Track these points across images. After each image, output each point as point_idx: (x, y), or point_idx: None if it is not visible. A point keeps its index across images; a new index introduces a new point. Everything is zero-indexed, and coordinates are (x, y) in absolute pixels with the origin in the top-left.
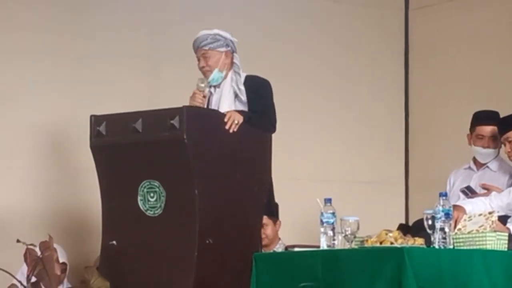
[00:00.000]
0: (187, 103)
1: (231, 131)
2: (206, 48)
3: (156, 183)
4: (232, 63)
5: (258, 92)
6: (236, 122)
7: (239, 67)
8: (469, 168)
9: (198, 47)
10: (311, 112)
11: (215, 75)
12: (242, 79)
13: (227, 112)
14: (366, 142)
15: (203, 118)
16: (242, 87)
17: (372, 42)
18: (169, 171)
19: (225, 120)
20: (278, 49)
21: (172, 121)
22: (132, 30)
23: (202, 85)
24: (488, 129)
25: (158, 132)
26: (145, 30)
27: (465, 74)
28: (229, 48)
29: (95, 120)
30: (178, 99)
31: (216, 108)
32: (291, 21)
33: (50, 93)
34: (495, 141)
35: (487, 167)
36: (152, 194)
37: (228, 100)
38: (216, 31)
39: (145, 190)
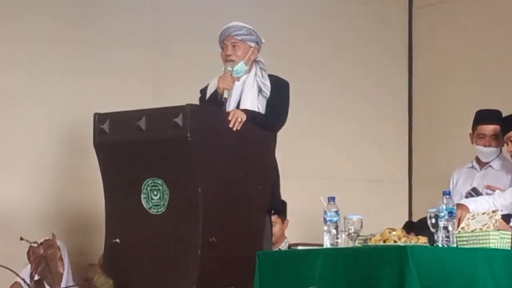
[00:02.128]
0: (190, 102)
1: (234, 129)
2: (239, 38)
3: (160, 181)
4: (255, 61)
5: (278, 92)
6: (239, 120)
7: (263, 64)
8: (472, 167)
9: (229, 35)
10: (314, 110)
11: (240, 66)
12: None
13: (231, 110)
14: (369, 141)
15: (207, 116)
16: (268, 83)
17: (375, 41)
18: (173, 169)
19: (229, 118)
20: (280, 48)
21: (175, 119)
22: (135, 27)
23: (231, 68)
24: (489, 128)
25: (161, 130)
26: (148, 28)
27: (469, 73)
28: (257, 46)
29: (99, 118)
30: (182, 97)
31: (236, 102)
32: (293, 19)
33: (54, 91)
34: (497, 140)
35: (490, 166)
36: (155, 192)
37: (251, 95)
38: (248, 26)
39: (149, 188)
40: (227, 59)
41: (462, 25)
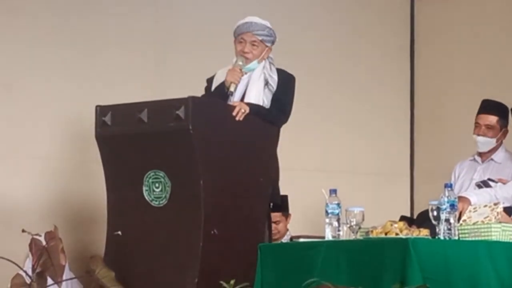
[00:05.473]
0: (192, 94)
1: (237, 118)
2: (259, 38)
3: (161, 174)
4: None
5: (284, 87)
6: (243, 111)
7: (272, 59)
8: (474, 160)
9: (249, 31)
10: (316, 102)
11: (253, 65)
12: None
13: (236, 102)
14: (372, 133)
15: (209, 108)
16: (275, 76)
17: (377, 33)
18: (175, 161)
19: (234, 109)
20: (282, 39)
21: (177, 112)
22: (136, 25)
23: (241, 63)
24: (484, 118)
25: (163, 122)
26: (148, 26)
27: (471, 65)
28: (271, 45)
29: (101, 111)
30: (184, 89)
31: (241, 94)
32: (293, 15)
33: (56, 85)
34: (492, 130)
35: (492, 159)
36: (157, 185)
37: (257, 87)
38: (269, 25)
39: (151, 180)
40: (242, 55)
41: (464, 17)
